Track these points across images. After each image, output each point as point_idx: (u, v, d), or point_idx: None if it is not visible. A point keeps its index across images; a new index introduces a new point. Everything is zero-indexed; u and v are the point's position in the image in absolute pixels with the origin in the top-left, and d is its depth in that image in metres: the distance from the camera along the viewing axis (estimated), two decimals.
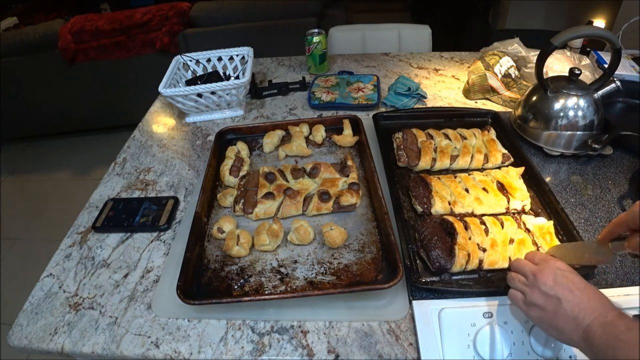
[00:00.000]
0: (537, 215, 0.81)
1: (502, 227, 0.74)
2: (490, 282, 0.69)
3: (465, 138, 0.97)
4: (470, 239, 0.72)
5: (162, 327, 0.70)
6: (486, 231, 0.74)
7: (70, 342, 0.68)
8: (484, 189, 0.83)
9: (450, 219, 0.75)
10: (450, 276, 0.71)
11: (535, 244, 0.73)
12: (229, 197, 0.88)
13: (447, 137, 0.98)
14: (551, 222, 0.76)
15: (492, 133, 0.99)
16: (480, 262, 0.70)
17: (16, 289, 2.00)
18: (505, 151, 0.94)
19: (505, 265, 0.70)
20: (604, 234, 0.59)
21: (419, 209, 0.81)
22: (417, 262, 0.73)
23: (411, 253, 0.73)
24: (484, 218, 0.76)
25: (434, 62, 1.45)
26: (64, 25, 2.50)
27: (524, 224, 0.77)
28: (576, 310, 0.51)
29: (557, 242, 0.73)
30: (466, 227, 0.74)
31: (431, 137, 0.98)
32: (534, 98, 1.00)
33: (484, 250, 0.71)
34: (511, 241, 0.72)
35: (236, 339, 0.67)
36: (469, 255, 0.70)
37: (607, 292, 0.65)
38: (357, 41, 1.84)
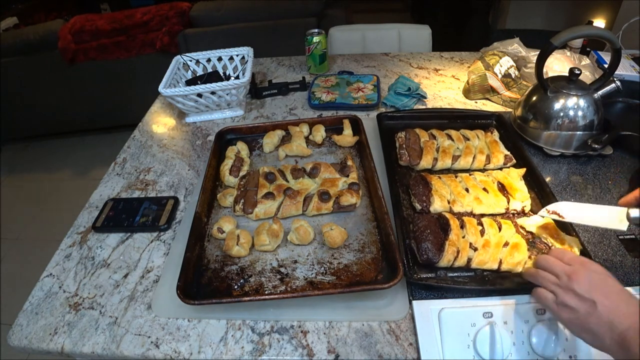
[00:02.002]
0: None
1: (500, 229, 0.74)
2: (486, 281, 0.69)
3: (468, 139, 0.97)
4: (464, 237, 0.72)
5: (162, 327, 0.70)
6: (482, 232, 0.74)
7: (70, 342, 0.68)
8: (484, 189, 0.83)
9: (447, 215, 0.75)
10: (445, 273, 0.71)
11: (545, 243, 0.74)
12: (229, 197, 0.88)
13: (449, 137, 0.98)
14: (548, 217, 0.76)
15: (495, 134, 0.99)
16: (469, 260, 0.70)
17: (16, 289, 2.00)
18: (508, 152, 0.94)
19: (495, 266, 0.70)
20: (627, 199, 0.58)
21: (418, 206, 0.81)
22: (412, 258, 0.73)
23: (407, 250, 0.73)
24: (483, 219, 0.76)
25: (434, 62, 1.45)
26: (64, 25, 2.50)
27: (523, 228, 0.77)
28: (612, 315, 0.50)
29: (565, 235, 0.72)
30: (462, 226, 0.74)
31: (434, 137, 0.98)
32: (534, 98, 1.00)
33: (475, 249, 0.71)
34: (506, 244, 0.72)
35: (236, 339, 0.67)
36: (457, 252, 0.70)
37: None
38: (357, 41, 1.84)
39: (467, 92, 1.23)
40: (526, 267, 0.70)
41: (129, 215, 0.90)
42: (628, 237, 0.77)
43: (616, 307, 0.50)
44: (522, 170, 0.88)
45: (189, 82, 1.30)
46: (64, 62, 2.52)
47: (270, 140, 1.03)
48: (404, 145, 0.96)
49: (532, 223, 0.76)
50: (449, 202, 0.81)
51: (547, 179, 0.92)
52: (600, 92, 0.94)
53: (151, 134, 1.21)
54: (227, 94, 1.16)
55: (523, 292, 0.67)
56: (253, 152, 1.04)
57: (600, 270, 0.55)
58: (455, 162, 0.93)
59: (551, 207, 0.69)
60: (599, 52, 1.30)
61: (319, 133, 1.04)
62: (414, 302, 0.67)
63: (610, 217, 0.59)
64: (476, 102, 1.21)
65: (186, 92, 1.12)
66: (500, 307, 0.65)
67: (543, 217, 0.72)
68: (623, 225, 0.58)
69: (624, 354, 0.48)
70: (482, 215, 0.81)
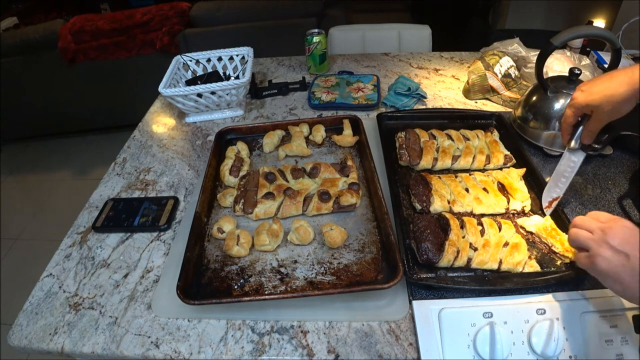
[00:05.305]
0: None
1: (500, 229, 0.74)
2: (486, 281, 0.69)
3: (468, 139, 0.97)
4: (464, 237, 0.72)
5: (162, 327, 0.70)
6: (482, 232, 0.74)
7: (70, 342, 0.68)
8: (484, 189, 0.83)
9: (447, 215, 0.75)
10: (445, 273, 0.71)
11: (546, 244, 0.74)
12: (229, 197, 0.88)
13: (449, 137, 0.98)
14: (548, 217, 0.76)
15: (495, 134, 0.99)
16: (469, 260, 0.70)
17: (16, 289, 2.00)
18: (508, 152, 0.94)
19: (495, 266, 0.70)
20: (563, 138, 0.77)
21: (418, 206, 0.81)
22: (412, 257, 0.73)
23: (407, 250, 0.73)
24: (482, 219, 0.76)
25: (434, 62, 1.45)
26: (64, 25, 2.50)
27: (523, 228, 0.77)
28: None
29: (565, 235, 0.73)
30: (462, 226, 0.74)
31: (434, 137, 0.98)
32: (534, 98, 1.00)
33: (475, 249, 0.71)
34: (506, 244, 0.72)
35: (236, 339, 0.67)
36: (457, 252, 0.70)
37: (607, 292, 0.65)
38: (357, 41, 1.84)
39: (467, 92, 1.23)
40: (527, 265, 0.70)
41: (129, 215, 0.90)
42: None
43: None
44: (522, 170, 0.88)
45: (189, 82, 1.29)
46: (64, 62, 2.52)
47: (270, 140, 1.03)
48: (404, 145, 0.96)
49: (532, 223, 0.76)
50: (449, 202, 0.81)
51: (547, 179, 0.91)
52: None
53: (151, 134, 1.21)
54: (227, 94, 1.16)
55: (523, 292, 0.67)
56: (253, 152, 1.04)
57: (632, 226, 0.57)
58: (455, 162, 0.93)
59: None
60: (599, 52, 1.30)
61: (319, 133, 1.04)
62: (414, 302, 0.67)
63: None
64: (476, 102, 1.21)
65: (186, 92, 1.12)
66: (500, 307, 0.65)
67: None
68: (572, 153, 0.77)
69: None
70: (482, 215, 0.81)
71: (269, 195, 0.86)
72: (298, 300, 0.70)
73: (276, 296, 0.67)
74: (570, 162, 0.76)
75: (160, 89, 1.13)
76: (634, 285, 0.52)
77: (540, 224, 0.75)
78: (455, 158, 0.93)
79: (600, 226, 0.58)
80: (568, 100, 0.94)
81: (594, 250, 0.57)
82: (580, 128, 0.75)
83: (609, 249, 0.55)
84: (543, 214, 0.79)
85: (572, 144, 0.76)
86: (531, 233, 0.76)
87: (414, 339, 0.65)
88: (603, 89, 0.69)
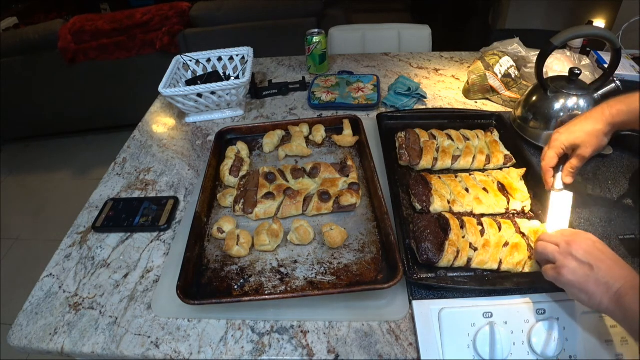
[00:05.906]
0: (536, 216, 0.81)
1: (500, 229, 0.74)
2: (486, 281, 0.69)
3: (468, 139, 0.97)
4: (464, 237, 0.72)
5: (162, 327, 0.70)
6: (482, 232, 0.74)
7: (70, 342, 0.68)
8: (484, 189, 0.83)
9: (447, 215, 0.75)
10: (445, 273, 0.71)
11: (531, 247, 0.73)
12: (229, 197, 0.88)
13: (449, 137, 0.98)
14: (544, 224, 0.76)
15: (495, 134, 0.99)
16: (469, 260, 0.70)
17: (16, 289, 2.00)
18: (508, 152, 0.94)
19: (495, 266, 0.70)
20: (547, 181, 0.76)
21: (418, 206, 0.81)
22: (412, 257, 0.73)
23: (407, 250, 0.73)
24: (482, 219, 0.76)
25: (434, 62, 1.45)
26: (64, 25, 2.50)
27: (519, 228, 0.77)
28: (607, 277, 0.54)
29: None
30: (462, 226, 0.74)
31: (434, 137, 0.98)
32: (534, 98, 1.00)
33: (475, 249, 0.71)
34: (506, 244, 0.72)
35: (236, 339, 0.67)
36: (457, 252, 0.70)
37: None
38: (357, 41, 1.84)
39: (467, 92, 1.23)
40: (527, 265, 0.70)
41: (129, 215, 0.90)
42: (628, 237, 0.77)
43: (611, 270, 0.55)
44: (522, 170, 0.88)
45: (189, 82, 1.29)
46: (64, 62, 2.52)
47: (270, 140, 1.03)
48: (404, 145, 0.96)
49: (527, 226, 0.76)
50: (449, 202, 0.81)
51: None
52: (600, 92, 0.94)
53: (151, 134, 1.21)
54: (227, 94, 1.16)
55: (523, 292, 0.67)
56: (253, 152, 1.04)
57: (595, 238, 0.60)
58: (455, 162, 0.93)
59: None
60: (599, 52, 1.30)
61: (319, 133, 1.04)
62: (414, 302, 0.67)
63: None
64: (476, 102, 1.21)
65: (186, 92, 1.12)
66: (500, 307, 0.65)
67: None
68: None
69: (620, 312, 0.53)
70: (482, 215, 0.81)
71: (269, 195, 0.86)
72: (298, 300, 0.70)
73: (276, 296, 0.67)
74: (562, 204, 0.73)
75: (160, 89, 1.13)
76: (600, 293, 0.54)
77: (534, 228, 0.75)
78: (455, 158, 0.93)
79: (565, 239, 0.61)
80: (568, 100, 0.94)
81: (560, 262, 0.59)
82: (561, 168, 0.76)
83: (574, 261, 0.58)
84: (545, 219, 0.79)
85: (557, 186, 0.75)
86: (523, 234, 0.76)
87: (414, 339, 0.65)
88: (583, 127, 0.73)
